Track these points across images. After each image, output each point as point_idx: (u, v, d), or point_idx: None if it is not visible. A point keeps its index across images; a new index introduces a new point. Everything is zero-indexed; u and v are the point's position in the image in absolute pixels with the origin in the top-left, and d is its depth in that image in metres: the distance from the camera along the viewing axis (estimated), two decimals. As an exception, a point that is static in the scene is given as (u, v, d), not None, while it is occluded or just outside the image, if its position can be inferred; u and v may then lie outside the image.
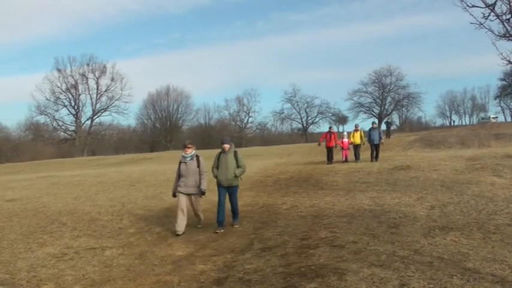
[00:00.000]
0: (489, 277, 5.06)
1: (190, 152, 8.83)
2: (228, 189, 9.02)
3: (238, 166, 8.99)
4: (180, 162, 8.83)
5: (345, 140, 21.65)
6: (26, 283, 5.97)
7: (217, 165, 9.05)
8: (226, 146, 9.00)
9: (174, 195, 8.91)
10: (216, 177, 9.02)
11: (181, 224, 8.56)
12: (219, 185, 9.01)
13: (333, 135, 20.88)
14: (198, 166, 8.77)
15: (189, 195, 8.74)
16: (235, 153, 9.06)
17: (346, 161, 20.83)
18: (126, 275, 6.20)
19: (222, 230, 8.65)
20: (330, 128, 22.80)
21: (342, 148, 21.48)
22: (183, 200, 8.65)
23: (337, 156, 21.71)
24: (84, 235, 8.67)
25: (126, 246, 7.82)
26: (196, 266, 6.44)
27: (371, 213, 9.07)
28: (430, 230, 7.43)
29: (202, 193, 8.83)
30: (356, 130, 21.32)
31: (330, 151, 20.70)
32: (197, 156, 8.88)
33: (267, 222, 9.09)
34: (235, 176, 8.91)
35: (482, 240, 6.72)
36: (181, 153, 9.00)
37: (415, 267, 5.51)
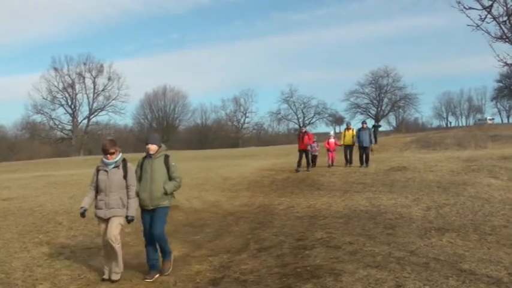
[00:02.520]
0: (485, 278, 5.08)
1: (114, 158, 6.06)
2: (153, 213, 6.23)
3: (170, 178, 6.22)
4: (98, 170, 6.09)
5: (331, 140, 19.39)
6: (22, 282, 5.95)
7: (139, 175, 6.25)
8: (152, 147, 6.23)
9: (83, 215, 6.09)
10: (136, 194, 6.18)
11: (109, 265, 6.10)
12: (142, 208, 6.26)
13: (306, 136, 17.83)
14: (125, 177, 6.03)
15: (110, 218, 5.99)
16: (166, 158, 6.28)
17: (331, 164, 18.69)
18: (122, 275, 6.18)
19: (153, 278, 6.04)
20: (301, 127, 19.74)
21: (328, 150, 19.13)
22: (104, 229, 6.05)
23: (319, 159, 19.87)
24: (80, 235, 8.65)
25: (122, 246, 7.78)
26: (192, 266, 6.44)
27: (367, 214, 9.09)
28: (426, 231, 7.45)
29: (129, 220, 6.07)
30: (348, 129, 18.75)
31: (301, 155, 17.85)
32: (124, 162, 6.12)
33: (264, 223, 9.09)
34: (165, 193, 6.14)
35: (478, 241, 6.75)
36: (101, 158, 6.22)
37: (411, 268, 5.53)
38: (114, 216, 5.96)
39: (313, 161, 18.59)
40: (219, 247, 7.44)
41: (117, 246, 5.94)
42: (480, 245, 6.56)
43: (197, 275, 6.03)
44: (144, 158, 6.33)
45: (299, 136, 18.16)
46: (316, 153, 18.80)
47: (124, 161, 6.15)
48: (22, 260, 6.99)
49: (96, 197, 6.09)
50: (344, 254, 6.37)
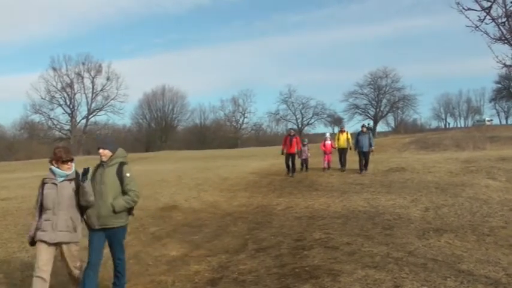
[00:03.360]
0: (483, 279, 5.09)
1: (72, 168, 5.04)
2: (105, 235, 5.17)
3: (123, 191, 5.15)
4: (44, 183, 5.00)
5: (328, 142, 18.32)
6: (20, 282, 5.95)
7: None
8: (104, 153, 5.19)
9: (33, 243, 5.03)
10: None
11: None
12: (89, 228, 5.18)
13: (294, 140, 16.79)
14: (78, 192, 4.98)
15: (58, 244, 4.90)
16: (121, 167, 5.21)
17: (328, 168, 17.85)
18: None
19: None
20: (290, 130, 18.69)
21: (324, 152, 18.21)
22: (45, 257, 4.86)
23: (315, 160, 18.95)
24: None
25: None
26: (190, 266, 6.44)
27: (365, 215, 9.10)
28: (425, 232, 7.46)
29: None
30: (342, 132, 18.16)
31: (288, 158, 16.76)
32: (77, 174, 5.06)
33: (262, 223, 9.09)
34: (114, 211, 5.04)
35: (476, 242, 6.76)
36: (51, 167, 5.04)
37: (409, 268, 5.54)
38: (63, 243, 4.88)
39: (305, 165, 17.96)
40: (217, 247, 7.44)
41: (79, 273, 5.04)
42: (478, 245, 6.57)
43: (195, 275, 6.03)
44: (98, 166, 5.29)
45: (286, 139, 17.03)
46: (306, 157, 17.98)
47: (77, 173, 5.10)
48: (21, 259, 6.99)
49: (40, 214, 4.97)
50: (342, 254, 6.37)
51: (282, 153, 17.12)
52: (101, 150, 5.18)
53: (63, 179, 4.96)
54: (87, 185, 4.91)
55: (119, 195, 5.09)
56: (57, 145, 4.99)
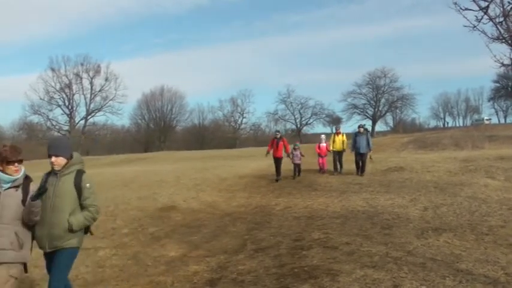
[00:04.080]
0: (482, 278, 5.09)
1: (20, 172, 4.22)
2: (53, 257, 4.30)
3: (81, 206, 4.35)
4: None
5: (323, 144, 17.55)
6: (19, 283, 5.93)
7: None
8: (57, 161, 4.35)
9: None
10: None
11: None
12: (43, 252, 4.40)
13: (281, 142, 15.86)
14: (25, 202, 4.13)
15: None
16: (79, 175, 4.40)
17: (323, 171, 17.17)
18: (119, 276, 6.19)
19: None
20: (276, 132, 17.68)
21: (319, 155, 17.54)
22: None
23: (313, 160, 17.90)
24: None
25: (119, 246, 7.79)
26: (189, 266, 6.43)
27: (364, 215, 9.10)
28: (423, 231, 7.46)
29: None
30: (337, 133, 17.04)
31: (277, 163, 15.91)
32: (27, 181, 4.27)
33: (261, 223, 9.09)
34: (71, 230, 4.23)
35: (475, 241, 6.76)
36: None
37: (408, 268, 5.54)
38: (3, 263, 3.95)
39: (297, 170, 16.55)
40: (216, 247, 7.44)
41: None
42: (477, 245, 6.57)
43: (194, 275, 6.03)
44: (48, 174, 4.42)
45: (272, 142, 16.20)
46: (299, 162, 16.56)
47: (27, 179, 4.28)
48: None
49: None
50: (341, 254, 6.37)
51: (267, 155, 16.49)
52: (53, 158, 4.32)
53: (8, 185, 4.12)
54: (38, 204, 4.06)
55: (76, 210, 4.30)
56: (3, 143, 4.40)
